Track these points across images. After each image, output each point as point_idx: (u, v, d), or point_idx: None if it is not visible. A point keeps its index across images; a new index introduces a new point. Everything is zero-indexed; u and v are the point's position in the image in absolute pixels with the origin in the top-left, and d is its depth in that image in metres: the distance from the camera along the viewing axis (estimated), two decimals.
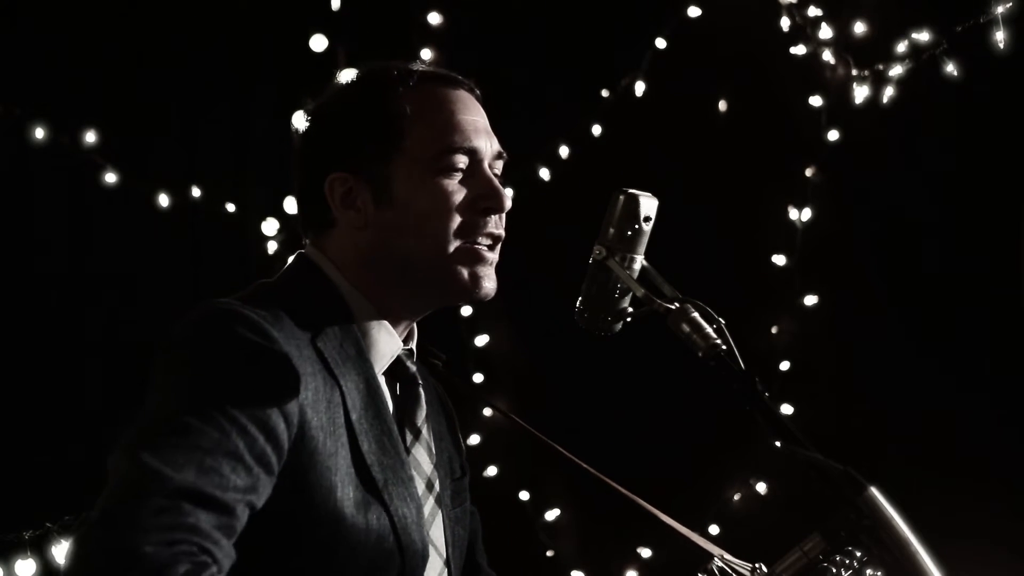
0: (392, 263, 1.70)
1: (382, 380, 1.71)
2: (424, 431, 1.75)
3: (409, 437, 1.73)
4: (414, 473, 1.70)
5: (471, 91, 1.78)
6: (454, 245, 1.68)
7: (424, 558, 1.64)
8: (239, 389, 1.49)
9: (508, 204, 1.72)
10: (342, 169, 1.70)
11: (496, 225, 1.71)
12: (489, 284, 1.71)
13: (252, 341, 1.52)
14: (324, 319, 1.65)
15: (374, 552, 1.58)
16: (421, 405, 1.76)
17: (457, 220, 1.68)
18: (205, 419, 1.44)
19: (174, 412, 1.46)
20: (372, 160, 1.69)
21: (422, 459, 1.73)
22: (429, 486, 1.73)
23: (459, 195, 1.69)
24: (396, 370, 1.74)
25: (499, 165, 1.76)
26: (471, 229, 1.69)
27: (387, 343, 1.71)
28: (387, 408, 1.68)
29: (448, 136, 1.69)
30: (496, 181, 1.72)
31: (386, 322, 1.71)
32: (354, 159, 1.70)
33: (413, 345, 1.79)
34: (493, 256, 1.72)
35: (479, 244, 1.70)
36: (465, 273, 1.69)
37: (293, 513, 1.54)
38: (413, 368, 1.76)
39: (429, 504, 1.71)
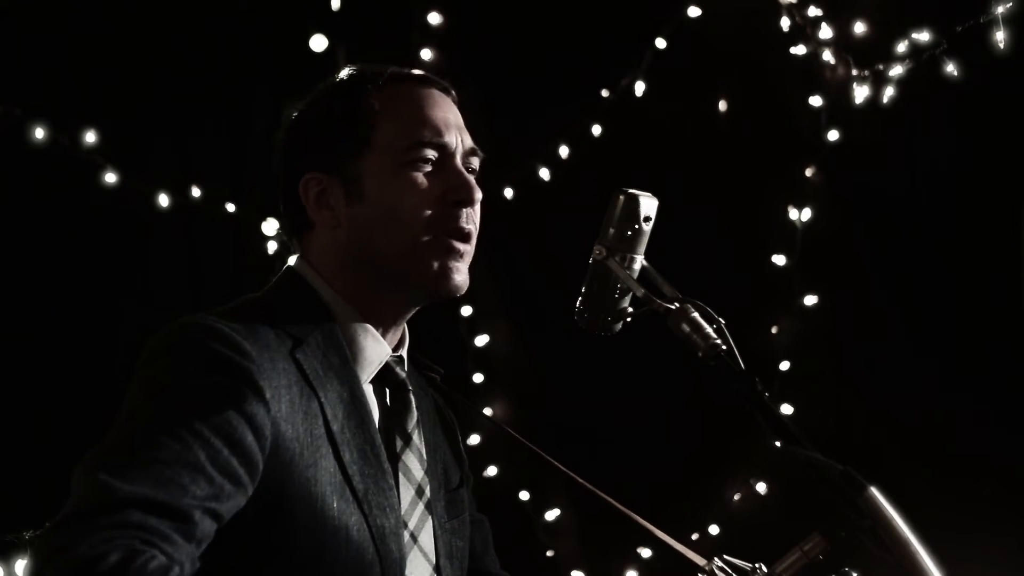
0: (366, 260, 1.69)
1: (368, 388, 1.71)
2: (415, 437, 1.74)
3: (399, 443, 1.72)
4: (403, 478, 1.70)
5: (445, 91, 1.78)
6: (423, 238, 1.67)
7: (402, 568, 1.64)
8: (205, 401, 1.48)
9: (479, 196, 1.71)
10: (315, 169, 1.72)
11: (467, 219, 1.70)
12: (459, 278, 1.70)
13: (222, 354, 1.52)
14: (307, 329, 1.65)
15: (355, 561, 1.58)
16: (411, 411, 1.76)
17: (426, 213, 1.67)
18: (168, 432, 1.43)
19: (138, 426, 1.46)
20: (343, 158, 1.70)
21: (412, 465, 1.72)
22: (419, 492, 1.72)
23: (428, 188, 1.68)
24: (385, 376, 1.73)
25: (474, 162, 1.76)
26: (441, 222, 1.68)
27: (374, 350, 1.70)
28: (371, 417, 1.67)
29: (416, 130, 1.70)
30: (466, 174, 1.72)
31: (372, 328, 1.71)
32: (326, 158, 1.71)
33: (404, 352, 1.78)
34: (465, 248, 1.70)
35: (449, 237, 1.69)
36: (435, 265, 1.68)
37: (275, 524, 1.53)
38: (403, 374, 1.75)
39: (418, 510, 1.71)
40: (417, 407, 1.78)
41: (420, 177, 1.69)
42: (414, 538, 1.69)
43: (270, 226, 3.62)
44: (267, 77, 3.79)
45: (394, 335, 1.76)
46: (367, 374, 1.70)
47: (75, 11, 3.48)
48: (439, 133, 1.71)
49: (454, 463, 1.88)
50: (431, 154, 1.70)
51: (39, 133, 3.33)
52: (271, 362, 1.56)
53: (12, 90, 3.32)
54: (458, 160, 1.72)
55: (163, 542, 1.36)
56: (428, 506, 1.73)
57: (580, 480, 1.80)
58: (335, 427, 1.60)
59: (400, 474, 1.70)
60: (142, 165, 3.53)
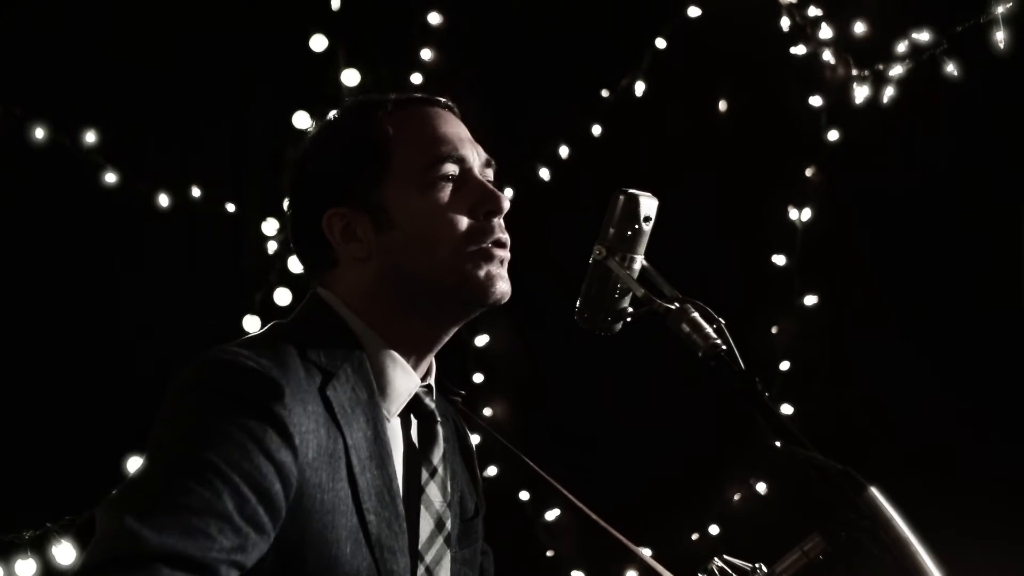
0: (402, 286, 1.68)
1: (396, 422, 1.70)
2: (440, 469, 1.73)
3: (424, 475, 1.71)
4: (424, 511, 1.69)
5: (449, 108, 1.78)
6: (465, 250, 1.67)
7: None
8: (236, 447, 1.46)
9: (507, 205, 1.71)
10: (336, 204, 1.70)
11: (500, 229, 1.70)
12: (504, 285, 1.69)
13: (253, 396, 1.51)
14: (337, 362, 1.63)
15: None
16: (439, 443, 1.75)
17: (461, 228, 1.67)
18: (197, 477, 1.42)
19: (167, 468, 1.45)
20: (364, 188, 1.69)
21: (435, 497, 1.72)
22: (439, 525, 1.71)
23: (456, 204, 1.68)
24: (414, 407, 1.72)
25: (489, 173, 1.76)
26: (477, 235, 1.68)
27: (403, 381, 1.69)
28: (391, 456, 1.66)
29: (434, 148, 1.69)
30: (490, 185, 1.72)
31: (402, 359, 1.69)
32: (347, 191, 1.70)
33: (432, 381, 1.77)
34: (505, 254, 1.70)
35: (489, 246, 1.68)
36: (480, 274, 1.67)
37: (290, 571, 1.52)
38: (431, 405, 1.74)
39: (437, 544, 1.70)
40: (444, 437, 1.77)
41: (445, 195, 1.68)
42: (430, 572, 1.68)
43: (270, 226, 3.62)
44: (267, 77, 3.79)
45: (424, 365, 1.74)
46: (396, 406, 1.69)
47: (75, 11, 3.48)
48: (456, 148, 1.70)
49: (470, 489, 1.87)
50: (452, 170, 1.69)
51: (39, 133, 3.34)
52: (302, 404, 1.54)
53: (12, 90, 3.32)
54: (477, 172, 1.72)
55: None
56: (447, 539, 1.72)
57: (575, 500, 1.79)
58: (357, 469, 1.59)
59: (422, 506, 1.69)
60: (142, 165, 3.53)
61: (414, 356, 1.72)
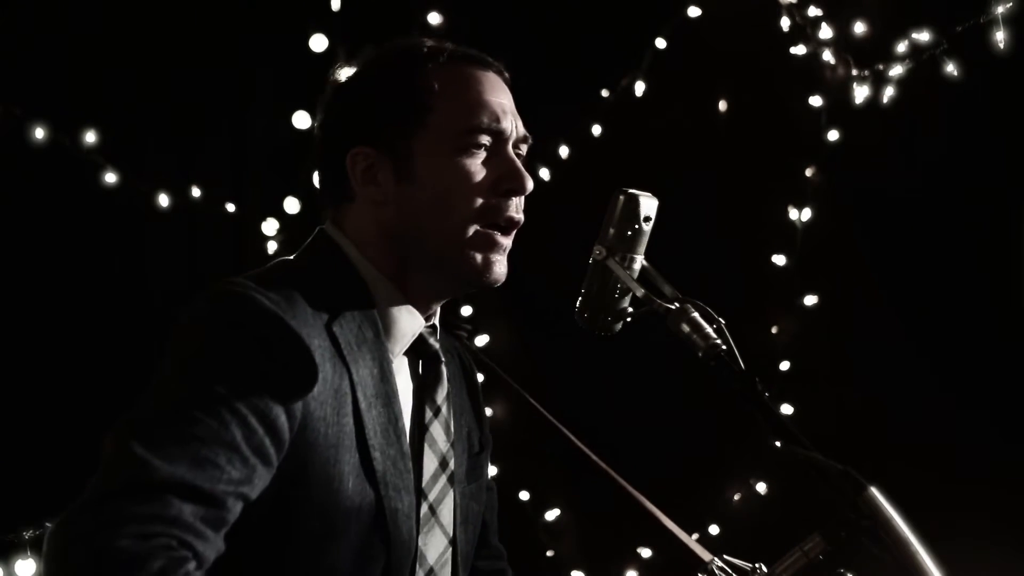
0: (409, 241, 1.68)
1: (400, 361, 1.71)
2: (444, 409, 1.75)
3: (428, 414, 1.72)
4: (428, 450, 1.70)
5: (499, 73, 1.77)
6: (471, 228, 1.67)
7: (410, 549, 1.64)
8: (243, 378, 1.47)
9: (530, 186, 1.71)
10: (365, 143, 1.69)
11: (516, 209, 1.71)
12: (500, 270, 1.70)
13: (262, 330, 1.51)
14: (343, 300, 1.64)
15: (364, 542, 1.59)
16: (443, 383, 1.76)
17: (478, 201, 1.67)
18: (205, 408, 1.43)
19: (175, 398, 1.45)
20: (396, 135, 1.68)
21: (438, 437, 1.73)
22: (443, 464, 1.72)
23: (481, 175, 1.68)
24: (418, 348, 1.73)
25: (524, 149, 1.76)
26: (492, 211, 1.68)
27: (408, 322, 1.70)
28: (397, 395, 1.67)
29: (474, 114, 1.69)
30: (519, 163, 1.72)
31: (407, 302, 1.70)
32: (378, 133, 1.69)
33: (436, 321, 1.77)
34: (507, 242, 1.71)
35: (496, 228, 1.68)
36: (478, 258, 1.67)
37: (290, 503, 1.53)
38: (436, 346, 1.75)
39: (440, 482, 1.71)
40: (448, 376, 1.77)
41: (474, 163, 1.68)
42: (433, 510, 1.70)
43: (270, 226, 3.62)
44: (267, 77, 3.79)
45: (428, 309, 1.75)
46: (400, 347, 1.70)
47: (75, 11, 3.48)
48: (497, 119, 1.70)
49: (476, 425, 1.89)
50: (486, 139, 1.69)
51: (39, 133, 3.33)
52: (308, 338, 1.55)
53: (12, 90, 3.32)
54: (510, 147, 1.72)
55: (196, 539, 1.36)
56: (450, 478, 1.73)
57: (589, 452, 1.79)
58: (363, 406, 1.60)
59: (426, 445, 1.70)
60: (142, 165, 3.53)
61: (418, 302, 1.72)
